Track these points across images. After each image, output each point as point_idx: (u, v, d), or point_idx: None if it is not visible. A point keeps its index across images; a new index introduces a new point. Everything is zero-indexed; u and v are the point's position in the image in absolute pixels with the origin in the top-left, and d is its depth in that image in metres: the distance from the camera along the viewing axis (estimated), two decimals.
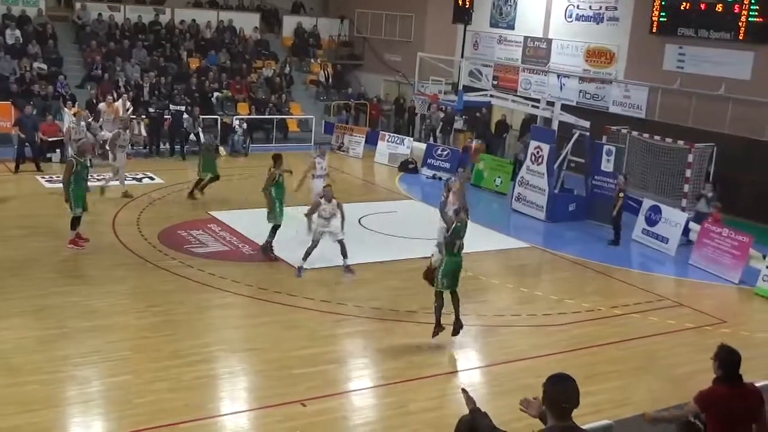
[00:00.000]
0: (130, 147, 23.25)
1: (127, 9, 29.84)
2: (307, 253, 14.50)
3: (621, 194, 18.08)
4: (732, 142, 20.52)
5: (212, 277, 14.06)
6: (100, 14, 28.98)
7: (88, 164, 16.23)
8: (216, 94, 27.53)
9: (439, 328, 11.71)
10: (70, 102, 23.22)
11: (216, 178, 19.42)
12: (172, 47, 29.15)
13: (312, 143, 27.41)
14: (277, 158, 15.56)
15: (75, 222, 15.22)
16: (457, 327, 11.78)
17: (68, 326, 11.61)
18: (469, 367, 11.66)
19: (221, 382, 10.44)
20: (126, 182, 19.67)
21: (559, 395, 4.94)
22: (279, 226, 15.33)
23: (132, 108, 24.03)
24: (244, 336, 11.94)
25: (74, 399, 9.60)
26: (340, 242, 14.63)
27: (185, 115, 24.78)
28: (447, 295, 11.82)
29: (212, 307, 12.87)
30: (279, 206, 15.25)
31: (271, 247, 15.38)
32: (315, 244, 14.55)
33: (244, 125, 25.95)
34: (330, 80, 31.29)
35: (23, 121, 21.75)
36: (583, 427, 5.85)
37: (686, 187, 19.76)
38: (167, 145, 24.64)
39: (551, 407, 4.94)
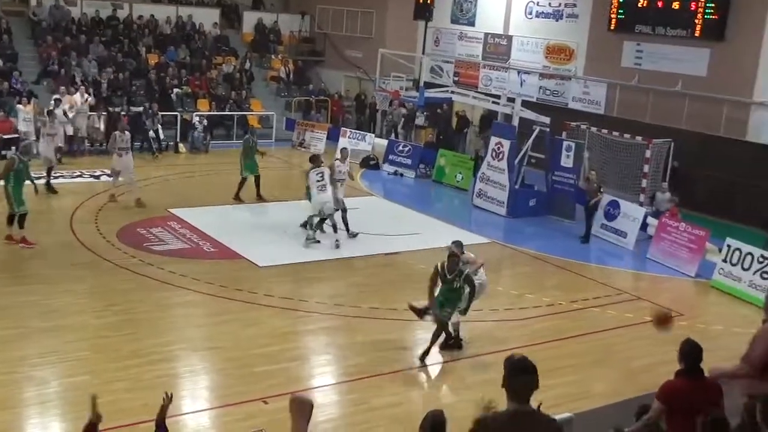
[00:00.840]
0: (88, 144, 22.98)
1: (84, 4, 29.33)
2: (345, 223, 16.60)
3: (601, 190, 18.28)
4: (689, 138, 20.85)
5: (172, 275, 13.93)
6: (56, 8, 28.47)
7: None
8: (176, 90, 27.23)
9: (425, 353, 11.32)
10: (25, 98, 22.79)
11: (257, 177, 19.29)
12: (130, 43, 28.75)
13: (273, 140, 27.30)
14: (314, 158, 16.90)
15: (20, 220, 14.93)
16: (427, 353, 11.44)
17: (25, 326, 11.42)
18: (432, 362, 11.66)
19: (182, 381, 10.36)
20: (83, 179, 19.39)
21: (513, 377, 4.92)
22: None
23: (89, 98, 23.57)
24: (205, 334, 11.85)
25: (31, 400, 9.46)
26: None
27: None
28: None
29: (172, 306, 12.77)
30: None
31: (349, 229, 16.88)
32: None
33: (204, 122, 25.73)
34: (291, 76, 31.15)
35: None
36: None
37: (644, 183, 20.02)
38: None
39: (508, 390, 4.93)
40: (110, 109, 24.34)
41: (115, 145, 18.38)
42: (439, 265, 11.36)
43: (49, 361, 10.43)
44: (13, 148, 21.31)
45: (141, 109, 24.72)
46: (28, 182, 15.22)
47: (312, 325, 12.47)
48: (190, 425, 9.28)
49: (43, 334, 11.24)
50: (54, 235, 15.76)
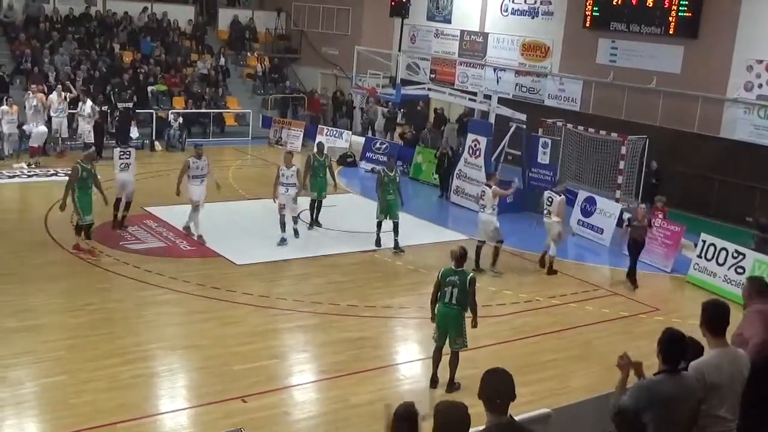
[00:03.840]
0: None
1: (56, 0, 28.94)
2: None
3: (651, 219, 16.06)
4: (663, 135, 21.03)
5: (149, 274, 13.84)
6: (27, 5, 28.14)
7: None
8: (150, 88, 26.99)
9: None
10: (11, 99, 22.35)
11: (319, 201, 17.47)
12: (104, 40, 28.40)
13: (250, 137, 27.20)
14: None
15: (83, 229, 14.61)
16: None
17: (0, 326, 11.26)
18: (410, 359, 11.70)
19: (160, 380, 10.29)
20: (59, 178, 19.09)
21: (490, 389, 4.92)
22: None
23: (67, 97, 23.26)
24: (183, 333, 11.78)
25: (6, 401, 9.32)
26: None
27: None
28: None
29: (149, 305, 12.67)
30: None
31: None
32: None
33: (180, 119, 25.54)
34: (267, 74, 31.02)
35: None
36: (522, 416, 5.91)
37: (620, 179, 20.14)
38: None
39: (486, 403, 4.93)
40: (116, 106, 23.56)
41: (190, 173, 15.95)
42: (439, 274, 10.34)
43: (24, 361, 10.32)
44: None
45: (129, 105, 24.22)
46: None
47: (290, 323, 12.43)
48: (168, 425, 9.23)
49: (17, 333, 11.11)
50: (29, 233, 15.60)
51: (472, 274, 10.33)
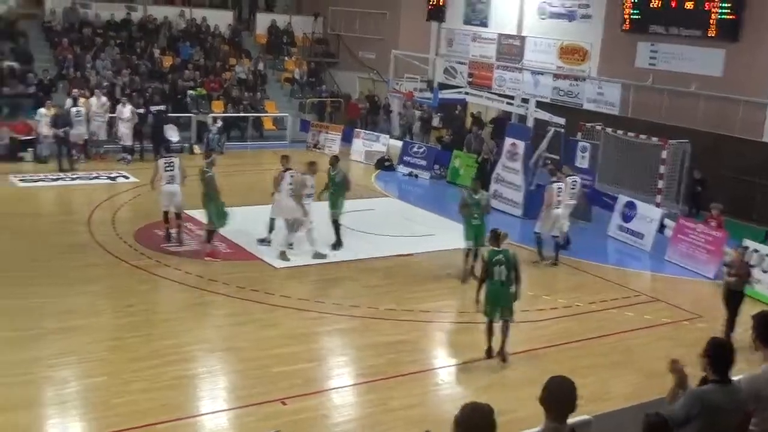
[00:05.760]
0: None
1: (96, 6, 29.35)
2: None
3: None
4: (703, 138, 20.73)
5: (189, 276, 13.96)
6: (71, 9, 28.57)
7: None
8: (190, 92, 27.25)
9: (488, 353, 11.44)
10: (49, 102, 22.76)
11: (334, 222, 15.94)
12: (144, 45, 28.78)
13: (288, 141, 27.34)
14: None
15: (212, 234, 15.21)
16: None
17: (43, 327, 11.45)
18: (450, 363, 11.66)
19: (200, 381, 10.36)
20: (101, 181, 19.31)
21: (551, 397, 4.94)
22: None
23: (109, 103, 23.67)
24: (223, 335, 11.86)
25: (51, 400, 9.49)
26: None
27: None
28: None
29: (189, 307, 12.79)
30: None
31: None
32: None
33: (219, 123, 25.74)
34: (305, 78, 31.18)
35: None
36: None
37: (660, 183, 19.90)
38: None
39: (546, 408, 4.93)
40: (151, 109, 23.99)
41: (300, 191, 15.00)
42: (485, 256, 11.35)
43: (67, 361, 10.47)
44: (30, 149, 21.40)
45: (162, 107, 24.49)
46: None
47: (328, 326, 12.45)
48: (208, 426, 9.30)
49: (60, 334, 11.27)
50: (71, 236, 15.82)
51: (512, 250, 11.29)
